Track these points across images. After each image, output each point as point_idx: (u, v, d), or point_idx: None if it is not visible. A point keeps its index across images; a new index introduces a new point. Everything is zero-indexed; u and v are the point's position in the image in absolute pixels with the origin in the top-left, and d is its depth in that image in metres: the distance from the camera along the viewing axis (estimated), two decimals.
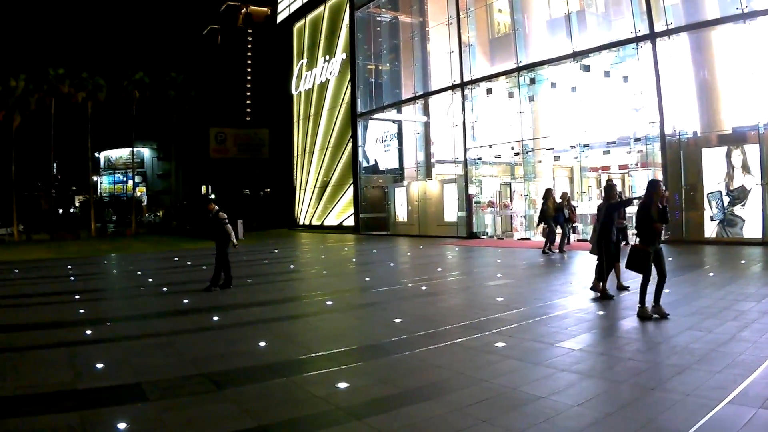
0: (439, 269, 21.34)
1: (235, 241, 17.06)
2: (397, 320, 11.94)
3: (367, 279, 19.69)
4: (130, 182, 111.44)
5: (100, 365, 9.14)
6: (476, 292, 16.02)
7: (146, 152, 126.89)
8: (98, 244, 43.58)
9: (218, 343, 10.72)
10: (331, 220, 53.90)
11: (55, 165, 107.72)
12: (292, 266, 25.29)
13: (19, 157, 59.93)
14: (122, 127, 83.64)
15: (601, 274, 13.36)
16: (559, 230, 25.15)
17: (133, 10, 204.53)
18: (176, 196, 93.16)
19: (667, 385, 7.41)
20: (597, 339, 10.11)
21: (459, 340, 10.17)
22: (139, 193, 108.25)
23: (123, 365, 9.30)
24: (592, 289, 13.87)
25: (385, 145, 47.40)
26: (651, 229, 11.03)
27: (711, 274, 17.06)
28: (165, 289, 17.60)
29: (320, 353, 9.77)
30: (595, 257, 13.73)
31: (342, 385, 7.88)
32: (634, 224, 12.69)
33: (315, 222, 56.65)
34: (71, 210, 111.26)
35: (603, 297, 13.20)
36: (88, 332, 11.66)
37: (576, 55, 31.39)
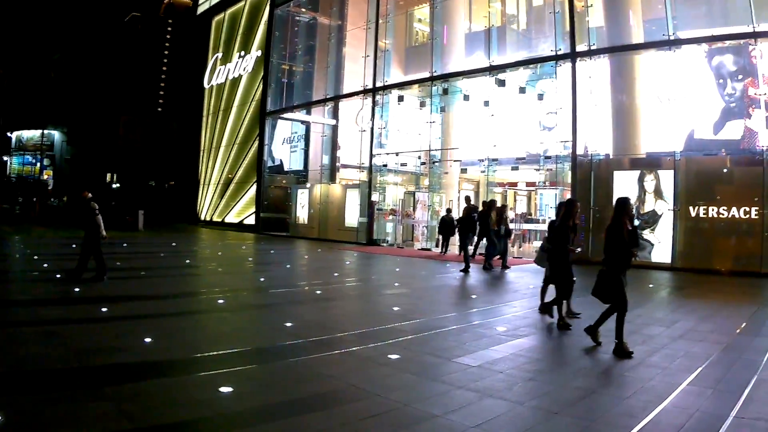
0: (336, 274, 20.63)
1: (104, 233, 15.86)
2: (290, 324, 11.25)
3: (263, 279, 18.87)
4: (38, 165, 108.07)
5: None
6: (373, 300, 15.44)
7: (57, 135, 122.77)
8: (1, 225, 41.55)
9: (103, 335, 9.88)
10: (232, 218, 52.52)
11: None
12: (188, 261, 24.12)
13: None
14: (35, 107, 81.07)
15: (558, 297, 12.02)
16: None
17: None
18: (83, 181, 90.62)
19: (571, 409, 6.85)
20: (496, 356, 9.40)
21: (353, 349, 9.60)
22: (46, 176, 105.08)
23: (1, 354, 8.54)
24: (541, 311, 12.86)
25: (292, 146, 46.70)
26: (627, 254, 9.68)
27: None
28: (58, 276, 16.45)
29: (207, 354, 9.13)
30: (542, 276, 13.32)
31: (226, 389, 7.28)
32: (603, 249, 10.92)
33: (216, 218, 55.15)
34: None
35: (561, 326, 11.60)
36: None
37: (492, 69, 31.10)
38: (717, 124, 24.53)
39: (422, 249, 32.13)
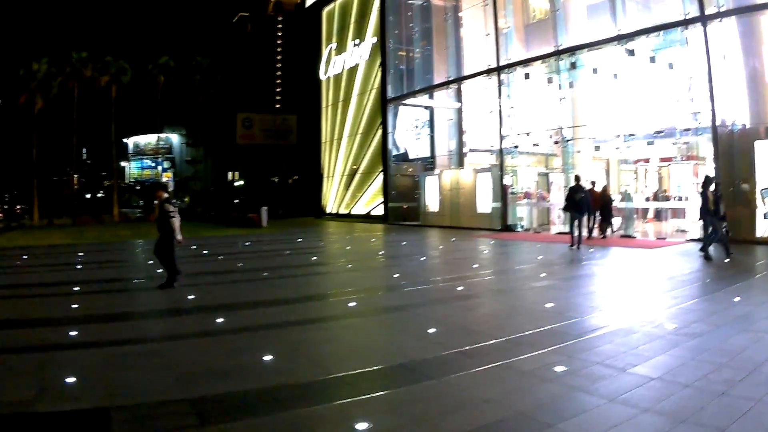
0: (475, 265, 19.30)
1: (179, 236, 14.82)
2: (431, 330, 9.94)
3: (396, 276, 17.21)
4: (159, 168, 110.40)
5: (70, 379, 7.50)
6: (520, 296, 13.92)
7: (175, 138, 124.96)
8: (119, 229, 42.06)
9: (215, 354, 8.85)
10: (359, 209, 52.07)
11: (85, 150, 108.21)
12: (314, 258, 23.25)
13: (42, 141, 58.90)
14: (149, 113, 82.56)
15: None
16: None
17: None
18: (204, 182, 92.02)
19: None
20: (675, 363, 7.92)
21: (509, 360, 8.12)
22: (165, 179, 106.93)
23: (96, 382, 7.56)
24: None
25: (416, 133, 45.74)
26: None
27: None
28: (175, 284, 15.59)
29: (336, 375, 7.82)
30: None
31: (362, 425, 5.98)
32: None
33: (342, 210, 54.85)
34: (98, 195, 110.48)
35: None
36: (73, 333, 10.05)
37: (620, 39, 29.29)
38: None
39: (561, 233, 30.59)
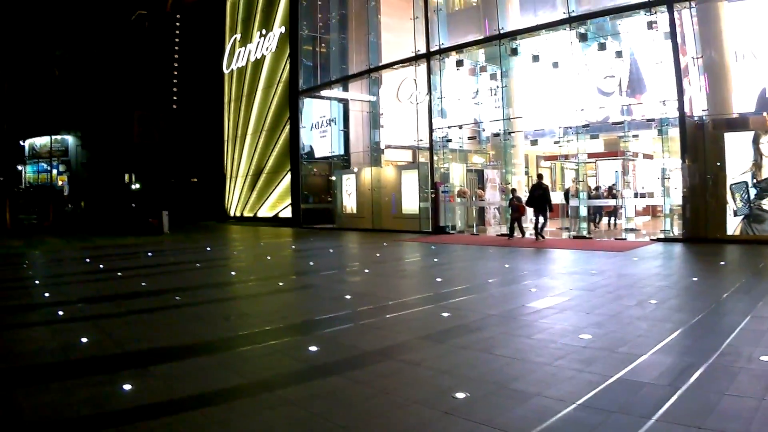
0: (439, 279, 15.17)
1: None
2: (462, 395, 6.31)
3: (348, 297, 12.68)
4: (54, 171, 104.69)
5: None
6: (527, 324, 9.81)
7: (71, 140, 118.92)
8: (8, 239, 36.83)
9: None
10: (265, 212, 48.13)
11: None
12: (233, 273, 18.66)
13: None
14: (46, 112, 77.28)
15: None
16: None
17: None
18: (100, 185, 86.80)
19: None
20: None
21: None
22: (60, 182, 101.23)
23: None
24: None
25: (325, 129, 41.74)
26: None
27: None
28: (60, 312, 11.69)
29: None
30: None
31: None
32: None
33: (247, 213, 50.71)
34: None
35: None
36: None
37: (572, 21, 26.26)
38: None
39: (502, 235, 27.39)
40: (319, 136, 42.37)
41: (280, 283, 15.49)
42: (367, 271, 17.13)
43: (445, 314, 10.42)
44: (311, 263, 19.82)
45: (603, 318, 9.83)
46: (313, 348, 8.32)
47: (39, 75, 56.53)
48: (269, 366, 7.71)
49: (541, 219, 25.06)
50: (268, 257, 22.67)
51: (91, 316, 11.13)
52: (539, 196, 24.84)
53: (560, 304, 11.18)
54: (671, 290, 12.64)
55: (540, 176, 26.26)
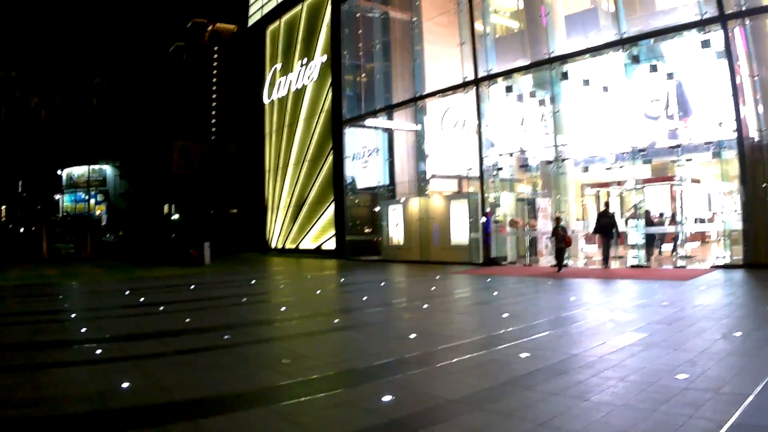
0: (505, 315, 13.69)
1: None
2: None
3: (413, 336, 11.33)
4: (92, 201, 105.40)
5: None
6: (624, 366, 8.62)
7: (109, 170, 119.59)
8: (45, 268, 36.23)
9: None
10: (308, 244, 47.33)
11: (21, 183, 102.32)
12: (283, 309, 16.83)
13: None
14: (83, 141, 77.44)
15: None
16: None
17: (94, 18, 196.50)
18: (138, 215, 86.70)
19: None
20: None
21: None
22: (98, 212, 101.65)
23: None
24: None
25: (367, 159, 40.71)
26: None
27: None
28: (98, 350, 10.73)
29: None
30: None
31: None
32: None
33: (289, 245, 49.94)
34: (32, 229, 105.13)
35: None
36: None
37: (624, 43, 25.37)
38: None
39: (555, 266, 26.00)
40: (361, 166, 41.41)
41: (335, 320, 14.31)
42: (425, 306, 15.88)
43: (524, 355, 9.40)
44: (364, 298, 18.58)
45: (693, 354, 8.89)
46: (386, 398, 7.26)
47: (77, 104, 56.04)
48: (339, 420, 6.69)
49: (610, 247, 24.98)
50: (318, 291, 21.54)
51: (133, 355, 10.24)
52: (606, 224, 24.74)
53: (643, 340, 10.16)
54: (751, 320, 11.89)
55: (606, 204, 26.40)
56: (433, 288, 20.76)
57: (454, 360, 9.26)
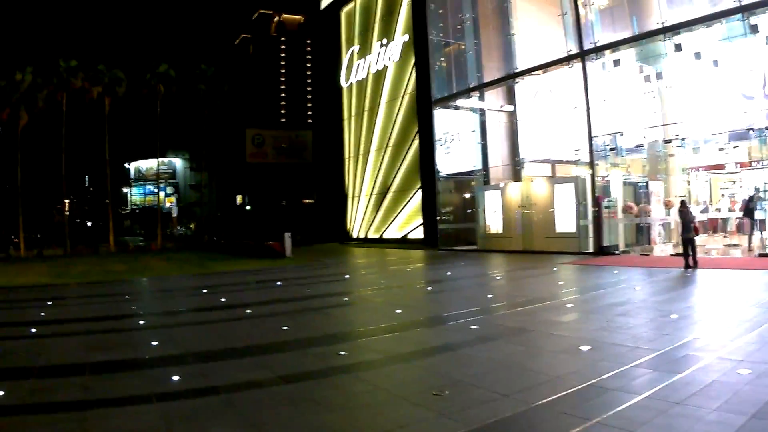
0: (674, 316, 11.49)
1: None
2: None
3: (584, 349, 9.32)
4: (162, 193, 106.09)
5: None
6: None
7: (178, 162, 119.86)
8: (112, 263, 34.86)
9: None
10: (393, 233, 45.48)
11: (87, 177, 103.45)
12: (398, 311, 14.10)
13: (29, 162, 52.41)
14: (149, 134, 77.03)
15: None
16: None
17: (159, 9, 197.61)
18: (210, 207, 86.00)
19: None
20: None
21: None
22: (168, 204, 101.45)
23: None
24: None
25: (458, 142, 38.08)
26: None
27: None
28: (174, 376, 8.53)
29: None
30: None
31: None
32: None
33: (372, 234, 48.17)
34: (99, 223, 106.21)
35: None
36: None
37: (743, 10, 22.55)
38: None
39: (676, 255, 22.94)
40: (448, 151, 38.92)
41: (473, 327, 11.49)
42: (569, 305, 13.59)
43: (745, 372, 7.22)
44: (489, 295, 16.25)
45: None
46: None
47: (143, 94, 54.99)
48: None
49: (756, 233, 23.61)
50: (429, 288, 19.31)
51: (222, 385, 7.91)
52: (752, 209, 23.82)
53: None
54: None
55: (757, 189, 24.79)
56: (561, 282, 18.43)
57: (666, 384, 7.07)
